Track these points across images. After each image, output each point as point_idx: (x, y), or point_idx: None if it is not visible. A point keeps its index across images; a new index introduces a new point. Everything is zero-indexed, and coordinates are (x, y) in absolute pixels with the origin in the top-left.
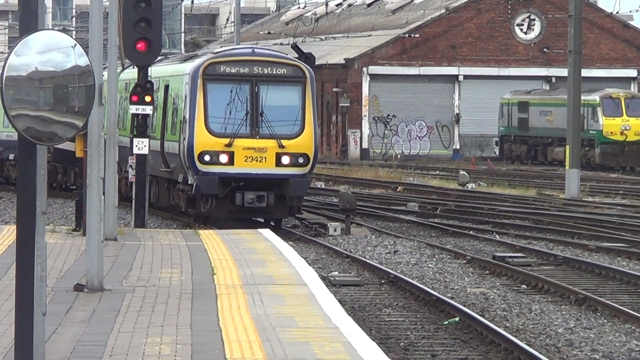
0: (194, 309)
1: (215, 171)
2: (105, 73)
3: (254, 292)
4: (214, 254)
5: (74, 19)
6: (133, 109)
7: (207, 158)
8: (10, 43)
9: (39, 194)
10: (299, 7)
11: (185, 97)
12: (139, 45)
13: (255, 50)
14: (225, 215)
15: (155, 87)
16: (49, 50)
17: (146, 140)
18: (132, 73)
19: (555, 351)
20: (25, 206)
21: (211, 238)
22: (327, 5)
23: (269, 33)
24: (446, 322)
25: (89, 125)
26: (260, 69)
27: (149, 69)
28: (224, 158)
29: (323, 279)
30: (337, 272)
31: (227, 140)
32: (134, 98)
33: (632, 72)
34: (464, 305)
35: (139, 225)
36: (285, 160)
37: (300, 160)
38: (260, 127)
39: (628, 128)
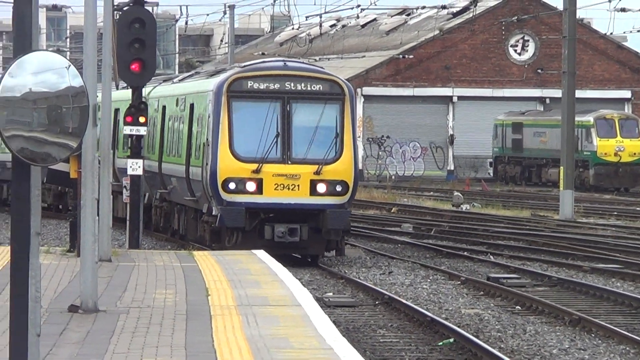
0: (188, 330)
1: (242, 201)
2: (99, 94)
3: (248, 313)
4: (208, 275)
5: (68, 39)
6: (127, 130)
7: (232, 186)
8: (4, 64)
9: (33, 215)
10: (293, 28)
11: (209, 116)
12: (133, 66)
13: (287, 63)
14: None
15: (181, 107)
16: (43, 71)
17: (140, 161)
18: (163, 89)
19: None
20: (19, 227)
21: (205, 259)
22: (321, 26)
23: (263, 54)
24: (440, 343)
25: (83, 146)
26: (292, 84)
27: (177, 85)
28: (251, 186)
29: (317, 300)
30: (331, 293)
31: (254, 166)
32: (128, 119)
33: (626, 93)
34: (459, 326)
35: (133, 246)
36: (321, 188)
37: (338, 188)
38: (292, 150)
39: (622, 149)
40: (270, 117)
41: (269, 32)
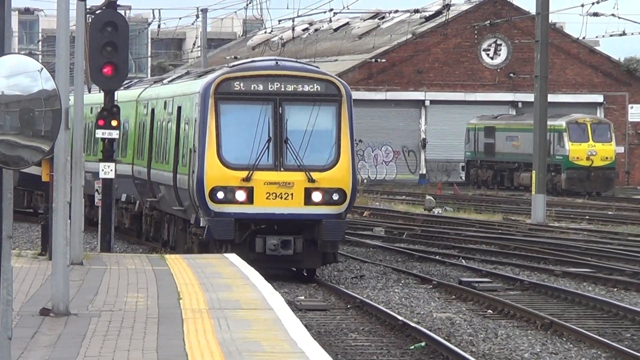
0: (160, 333)
1: (231, 211)
2: (71, 97)
3: (220, 316)
4: (180, 278)
5: (40, 43)
6: (99, 133)
7: (220, 195)
8: None
9: (5, 218)
10: (265, 32)
11: (195, 120)
12: (105, 70)
13: (280, 62)
14: None
15: (169, 110)
16: (15, 74)
17: (112, 165)
18: (162, 89)
19: None
20: None
21: (177, 262)
22: (293, 30)
23: (235, 58)
24: (412, 347)
25: (55, 149)
26: (285, 85)
27: (166, 87)
28: (240, 195)
29: (289, 303)
30: (303, 297)
31: (244, 174)
32: (100, 122)
33: (598, 98)
34: (430, 330)
35: (105, 250)
36: (317, 197)
37: (335, 197)
38: (285, 157)
39: (594, 153)
40: (261, 121)
41: (242, 35)
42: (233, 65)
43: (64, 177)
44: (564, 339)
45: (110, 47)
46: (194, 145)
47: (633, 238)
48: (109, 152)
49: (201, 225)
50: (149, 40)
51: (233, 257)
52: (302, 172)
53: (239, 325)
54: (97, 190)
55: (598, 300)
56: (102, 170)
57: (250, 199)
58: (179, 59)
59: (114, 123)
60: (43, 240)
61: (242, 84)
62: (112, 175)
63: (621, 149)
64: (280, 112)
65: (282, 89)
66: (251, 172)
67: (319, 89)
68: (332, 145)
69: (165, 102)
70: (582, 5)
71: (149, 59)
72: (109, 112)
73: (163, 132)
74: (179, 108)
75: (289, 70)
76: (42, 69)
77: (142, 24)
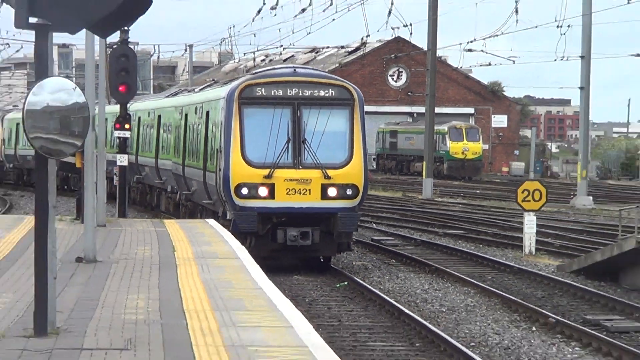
0: (160, 275)
1: (254, 206)
2: (96, 107)
3: (203, 263)
4: (174, 236)
5: (74, 69)
6: (116, 134)
7: (244, 191)
8: (28, 86)
9: (50, 193)
10: (234, 62)
11: (221, 123)
12: (120, 88)
13: (297, 69)
14: (267, 255)
15: (199, 114)
16: (57, 91)
17: (126, 156)
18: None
19: (414, 305)
20: (41, 202)
21: (172, 225)
22: (254, 60)
23: (213, 80)
24: (338, 285)
25: (85, 144)
26: (302, 90)
27: (197, 94)
28: (263, 191)
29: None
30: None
31: (266, 171)
32: (117, 126)
33: (470, 110)
34: (351, 273)
35: (121, 216)
36: (332, 192)
37: (349, 192)
38: (303, 156)
39: (467, 149)
40: (281, 123)
41: (217, 64)
42: (255, 73)
43: (92, 164)
44: (445, 280)
45: (124, 71)
46: (220, 145)
47: (494, 209)
48: (123, 147)
49: (228, 218)
50: (151, 67)
51: (212, 222)
52: (319, 169)
53: (217, 269)
54: (115, 174)
55: (469, 253)
56: (119, 160)
57: (271, 195)
58: (172, 80)
59: (126, 126)
60: (77, 209)
61: (263, 90)
62: (125, 163)
63: (486, 147)
64: (299, 115)
65: (300, 94)
66: (272, 170)
67: (333, 94)
68: (345, 145)
69: (196, 108)
70: (460, 44)
71: (152, 80)
72: (124, 119)
73: (194, 133)
74: (207, 112)
75: (306, 77)
76: (75, 87)
77: (146, 55)
